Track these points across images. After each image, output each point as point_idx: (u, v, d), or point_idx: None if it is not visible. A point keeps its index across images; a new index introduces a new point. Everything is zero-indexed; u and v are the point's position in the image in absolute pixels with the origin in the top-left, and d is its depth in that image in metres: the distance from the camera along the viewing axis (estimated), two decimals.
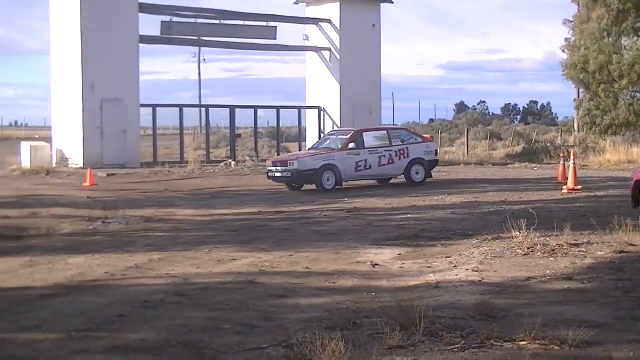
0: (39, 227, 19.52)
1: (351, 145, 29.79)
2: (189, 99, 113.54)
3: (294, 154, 34.18)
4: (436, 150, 32.82)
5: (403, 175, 30.96)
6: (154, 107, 42.31)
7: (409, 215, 20.97)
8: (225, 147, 50.99)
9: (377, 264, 14.12)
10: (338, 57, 45.06)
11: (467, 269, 13.33)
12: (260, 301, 11.38)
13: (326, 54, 45.47)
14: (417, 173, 30.86)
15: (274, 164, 29.94)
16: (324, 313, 10.60)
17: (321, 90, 45.81)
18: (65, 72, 38.36)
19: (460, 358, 8.36)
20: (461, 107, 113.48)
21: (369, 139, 30.63)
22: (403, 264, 14.22)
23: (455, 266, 13.69)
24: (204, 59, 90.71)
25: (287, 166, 28.98)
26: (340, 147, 29.86)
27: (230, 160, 40.63)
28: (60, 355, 8.89)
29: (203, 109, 47.01)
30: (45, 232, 18.93)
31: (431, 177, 31.50)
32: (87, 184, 30.20)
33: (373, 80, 46.24)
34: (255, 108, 47.11)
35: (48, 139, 41.34)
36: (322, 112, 45.72)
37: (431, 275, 13.02)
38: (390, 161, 30.28)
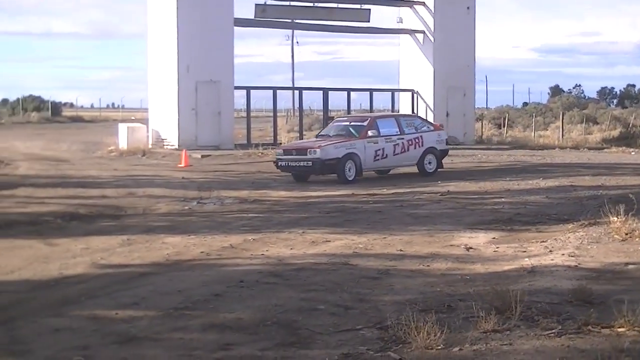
0: (136, 207, 19.81)
1: (370, 132, 27.35)
2: (281, 81, 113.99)
3: (306, 141, 30.85)
4: (447, 139, 30.65)
5: (416, 166, 28.61)
6: (248, 89, 42.43)
7: (503, 199, 20.82)
8: (317, 129, 50.98)
9: (471, 248, 14.06)
10: (432, 39, 44.68)
11: (563, 254, 13.15)
12: (354, 283, 11.41)
13: (420, 36, 45.16)
14: (429, 163, 28.57)
15: (287, 152, 27.35)
16: (418, 295, 10.59)
17: (414, 73, 45.49)
18: (161, 55, 38.63)
19: (557, 343, 8.27)
20: (556, 91, 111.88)
21: (384, 127, 28.18)
22: (497, 247, 14.13)
23: (550, 251, 13.54)
24: (297, 42, 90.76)
25: (306, 155, 26.21)
26: (358, 134, 27.28)
27: None
28: (159, 332, 9.01)
29: (296, 92, 47.11)
30: (142, 211, 19.21)
31: (442, 167, 29.15)
32: (182, 165, 30.44)
33: (467, 63, 45.79)
34: (348, 90, 46.99)
35: (144, 121, 41.74)
36: (415, 95, 45.43)
37: (526, 259, 12.91)
38: (404, 150, 28.02)
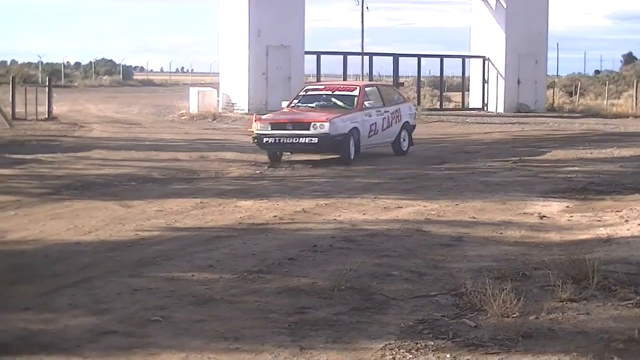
0: (208, 170, 19.96)
1: (367, 103, 23.11)
2: (349, 46, 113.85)
3: (302, 113, 23.03)
4: (416, 113, 27.43)
5: (391, 144, 24.46)
6: (318, 54, 42.47)
7: (576, 168, 20.63)
8: None
9: (544, 216, 13.96)
10: (504, 5, 44.26)
11: (639, 224, 13.05)
12: (427, 249, 11.40)
13: (492, 2, 44.72)
14: (404, 140, 24.54)
15: (278, 126, 21.85)
16: (492, 263, 10.55)
17: (485, 40, 45.10)
18: (232, 20, 38.73)
19: (634, 314, 8.20)
20: (629, 58, 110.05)
21: (372, 98, 24.00)
22: (571, 216, 14.02)
23: (626, 220, 13.37)
24: (367, 7, 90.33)
25: (309, 129, 21.29)
26: (351, 105, 22.86)
27: None
28: (235, 295, 9.08)
29: (366, 57, 47.01)
30: (214, 175, 19.34)
31: (412, 144, 25.11)
32: (252, 129, 30.50)
33: (539, 30, 45.31)
34: (419, 57, 46.74)
35: (214, 85, 41.88)
36: (486, 62, 45.10)
37: (601, 229, 12.78)
38: (389, 125, 23.81)
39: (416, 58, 46.56)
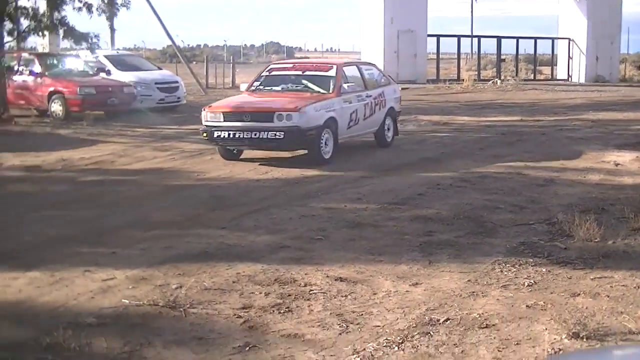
0: None
1: (346, 86, 14.61)
2: (461, 32, 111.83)
3: (262, 100, 14.30)
4: (401, 97, 17.52)
5: (373, 134, 15.95)
6: (438, 37, 42.04)
7: None
8: (491, 69, 49.99)
9: (619, 164, 13.60)
10: None
11: None
12: (526, 188, 11.27)
13: None
14: (388, 129, 16.12)
15: (233, 117, 13.51)
16: (578, 200, 10.39)
17: (570, 25, 43.83)
18: (371, 9, 38.50)
19: None
20: None
21: (351, 79, 15.21)
22: None
23: None
24: (476, 0, 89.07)
25: (272, 121, 13.18)
26: (327, 89, 14.39)
27: (496, 79, 39.79)
28: (378, 221, 9.16)
29: (474, 39, 46.25)
30: None
31: (397, 134, 16.61)
32: None
33: (614, 17, 43.88)
34: (517, 38, 45.77)
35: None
36: (570, 42, 43.85)
37: None
38: (372, 112, 15.40)
39: (515, 40, 45.71)
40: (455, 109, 25.74)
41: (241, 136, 13.36)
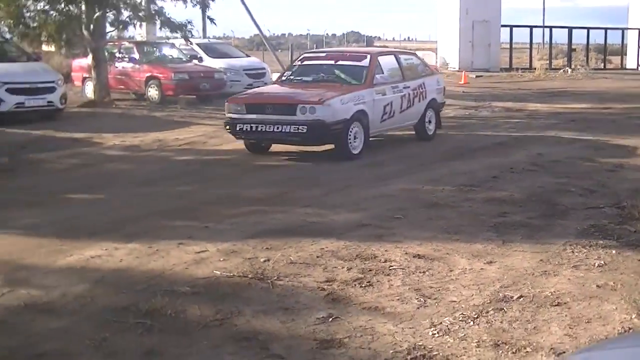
0: None
1: (379, 77, 13.38)
2: (533, 22, 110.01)
3: (285, 91, 13.14)
4: (445, 87, 15.83)
5: (413, 127, 14.51)
6: (511, 27, 41.27)
7: None
8: (561, 58, 49.02)
9: None
10: None
11: None
12: (596, 172, 11.04)
13: None
14: (429, 122, 14.56)
15: (254, 109, 12.29)
16: None
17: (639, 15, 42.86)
18: (447, 0, 38.14)
19: None
20: None
21: (387, 70, 13.93)
22: None
23: None
24: None
25: (294, 114, 11.90)
26: (360, 80, 12.93)
27: (567, 68, 39.00)
28: (454, 202, 9.07)
29: (546, 30, 45.40)
30: None
31: (440, 127, 15.07)
32: (462, 82, 30.01)
33: None
34: (588, 29, 44.78)
35: (434, 50, 41.41)
36: None
37: None
38: (410, 104, 13.84)
39: (585, 30, 44.69)
40: (527, 96, 25.27)
41: (263, 129, 12.02)
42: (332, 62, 13.77)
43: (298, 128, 11.77)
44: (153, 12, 21.44)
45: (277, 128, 11.89)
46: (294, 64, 14.34)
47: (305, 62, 14.20)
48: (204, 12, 26.70)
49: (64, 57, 25.41)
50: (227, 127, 12.48)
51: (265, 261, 6.65)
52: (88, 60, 21.58)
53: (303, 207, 8.79)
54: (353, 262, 6.62)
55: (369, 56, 13.47)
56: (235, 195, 9.55)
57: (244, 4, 30.50)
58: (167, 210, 8.73)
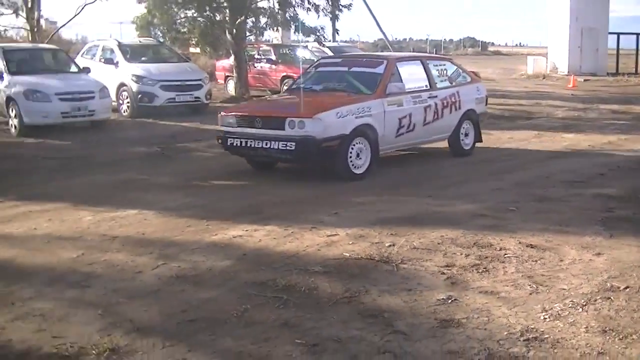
0: (541, 112, 19.29)
1: (393, 86, 10.45)
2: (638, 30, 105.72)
3: (279, 99, 12.01)
4: (487, 97, 12.97)
5: (447, 140, 11.98)
6: (618, 34, 39.80)
7: None
8: None
9: None
10: None
11: None
12: None
13: None
14: (466, 135, 12.00)
15: (245, 121, 10.02)
16: None
17: None
18: (557, 10, 36.99)
19: None
20: None
21: (408, 76, 10.98)
22: None
23: None
24: None
25: (283, 129, 9.54)
26: (371, 89, 10.40)
27: None
28: (563, 196, 8.78)
29: None
30: (545, 115, 18.67)
31: (481, 140, 12.41)
32: (570, 85, 29.09)
33: None
34: None
35: (544, 55, 40.34)
36: None
37: None
38: (437, 116, 11.28)
39: None
40: (632, 99, 24.21)
41: (253, 145, 9.81)
42: (346, 68, 11.24)
43: (286, 145, 9.50)
44: (288, 18, 21.70)
45: (266, 144, 9.69)
46: (308, 70, 11.99)
47: (320, 69, 11.66)
48: (333, 21, 26.91)
49: (209, 58, 26.10)
50: (219, 141, 10.35)
51: (390, 246, 6.65)
52: (230, 61, 22.09)
53: (425, 197, 8.76)
54: (471, 249, 6.55)
55: (385, 62, 10.89)
56: (357, 185, 9.57)
57: (370, 11, 30.47)
58: (301, 197, 8.85)
